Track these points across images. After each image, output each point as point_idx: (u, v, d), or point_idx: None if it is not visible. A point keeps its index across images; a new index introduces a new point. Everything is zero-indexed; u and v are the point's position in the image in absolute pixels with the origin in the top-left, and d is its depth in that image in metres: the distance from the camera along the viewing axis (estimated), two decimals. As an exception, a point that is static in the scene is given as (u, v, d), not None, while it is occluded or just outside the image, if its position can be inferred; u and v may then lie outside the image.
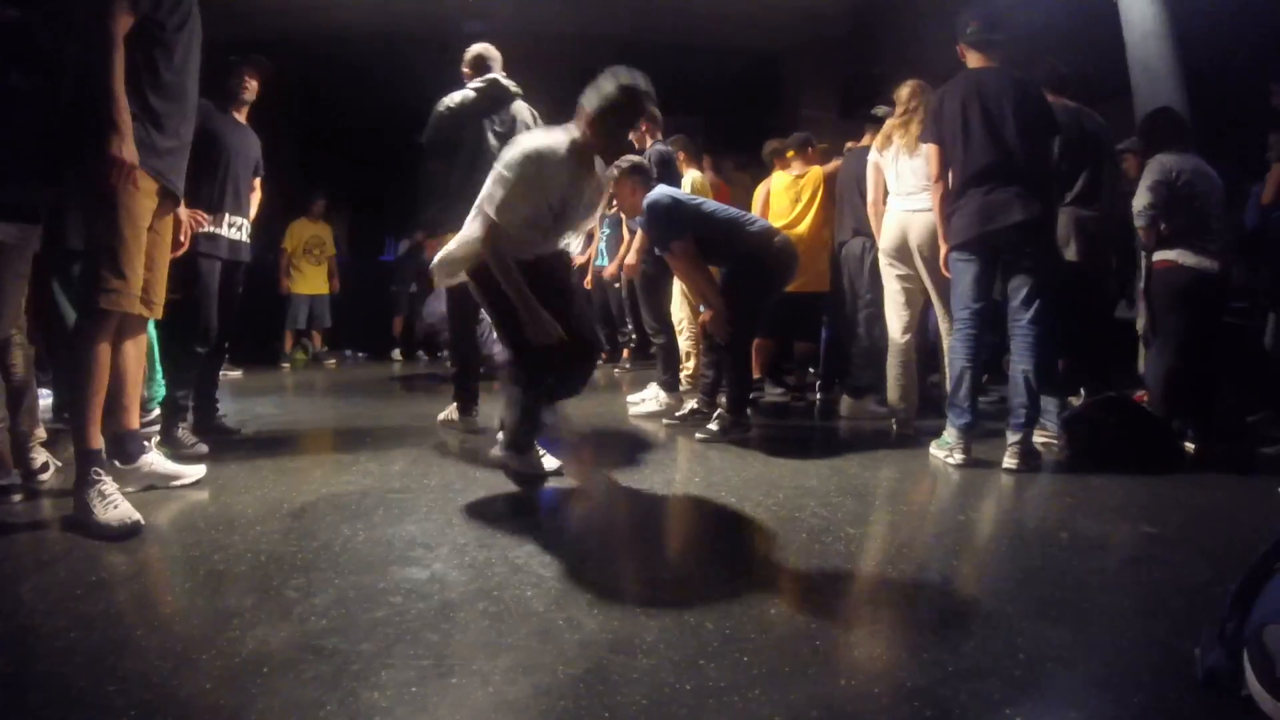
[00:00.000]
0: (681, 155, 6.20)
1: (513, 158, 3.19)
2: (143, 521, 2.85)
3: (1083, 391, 4.81)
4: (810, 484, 3.56)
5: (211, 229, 4.34)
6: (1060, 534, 2.95)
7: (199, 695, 1.72)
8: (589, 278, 8.17)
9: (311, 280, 9.57)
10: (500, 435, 3.47)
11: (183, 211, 3.69)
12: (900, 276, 4.80)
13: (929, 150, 4.18)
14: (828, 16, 10.41)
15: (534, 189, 3.17)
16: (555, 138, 3.26)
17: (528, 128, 4.51)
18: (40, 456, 3.51)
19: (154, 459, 3.39)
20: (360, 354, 10.71)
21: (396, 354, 10.50)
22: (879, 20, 9.96)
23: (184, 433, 4.22)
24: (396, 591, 2.28)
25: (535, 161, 3.15)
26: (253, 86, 4.61)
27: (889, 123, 4.88)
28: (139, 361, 3.28)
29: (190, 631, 2.07)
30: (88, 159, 2.83)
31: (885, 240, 4.82)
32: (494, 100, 4.58)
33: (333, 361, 9.77)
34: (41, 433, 3.67)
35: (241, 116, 4.65)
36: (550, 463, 3.55)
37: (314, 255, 9.58)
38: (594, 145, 3.27)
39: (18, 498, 3.23)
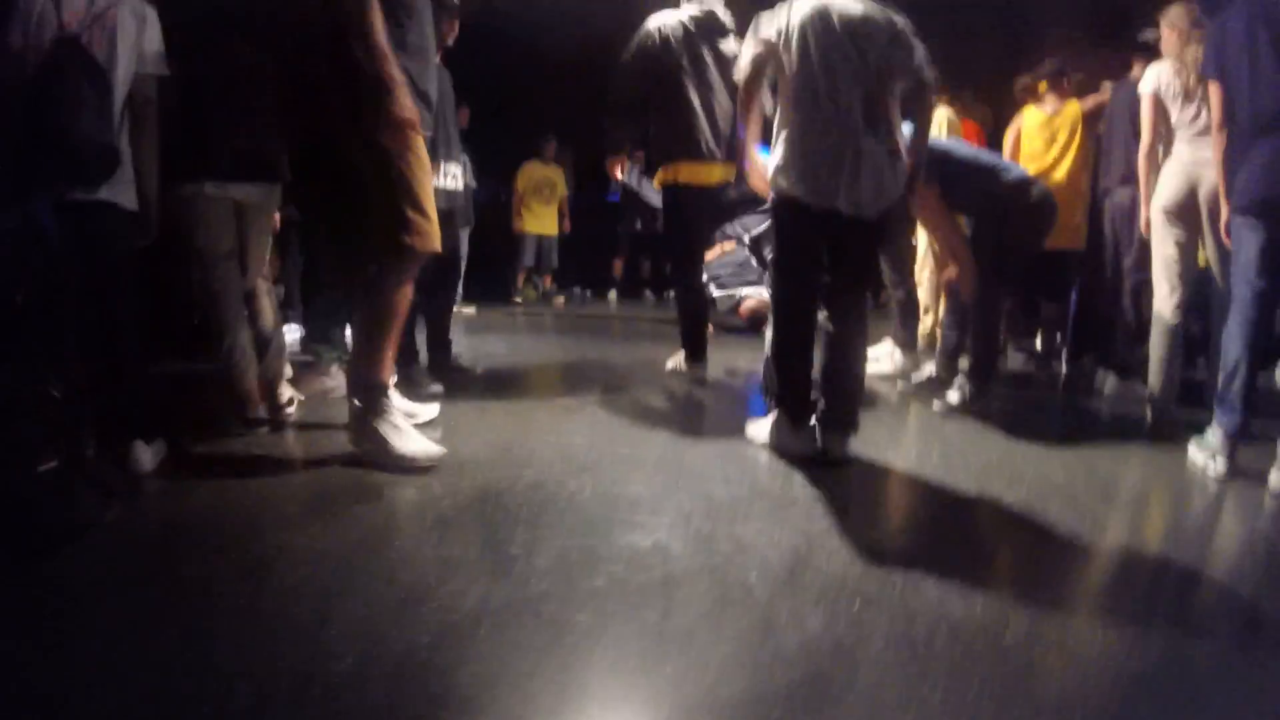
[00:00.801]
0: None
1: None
2: (444, 451, 3.04)
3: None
4: (1057, 478, 3.22)
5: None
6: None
7: (415, 649, 1.77)
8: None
9: (542, 220, 9.88)
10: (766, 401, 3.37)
11: None
12: (1178, 242, 4.07)
13: (1211, 88, 3.52)
14: None
15: None
16: None
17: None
18: (286, 392, 3.78)
19: (392, 397, 3.48)
20: (588, 291, 10.88)
21: (613, 296, 10.58)
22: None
23: (419, 373, 4.39)
24: (618, 559, 2.27)
25: None
26: (455, 30, 4.62)
27: (1166, 49, 4.19)
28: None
29: (414, 579, 2.13)
30: (365, 118, 2.89)
31: (1164, 194, 4.07)
32: (708, 31, 4.43)
33: (561, 299, 10.01)
34: (288, 370, 3.86)
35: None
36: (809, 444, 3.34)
37: (544, 195, 9.82)
38: None
39: (264, 430, 3.52)
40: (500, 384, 4.63)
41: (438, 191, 4.49)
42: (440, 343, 4.79)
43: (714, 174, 4.56)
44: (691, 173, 4.52)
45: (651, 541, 2.39)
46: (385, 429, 3.02)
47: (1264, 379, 4.67)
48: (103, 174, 2.91)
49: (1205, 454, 3.45)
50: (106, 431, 3.02)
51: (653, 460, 3.20)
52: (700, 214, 4.72)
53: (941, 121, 5.66)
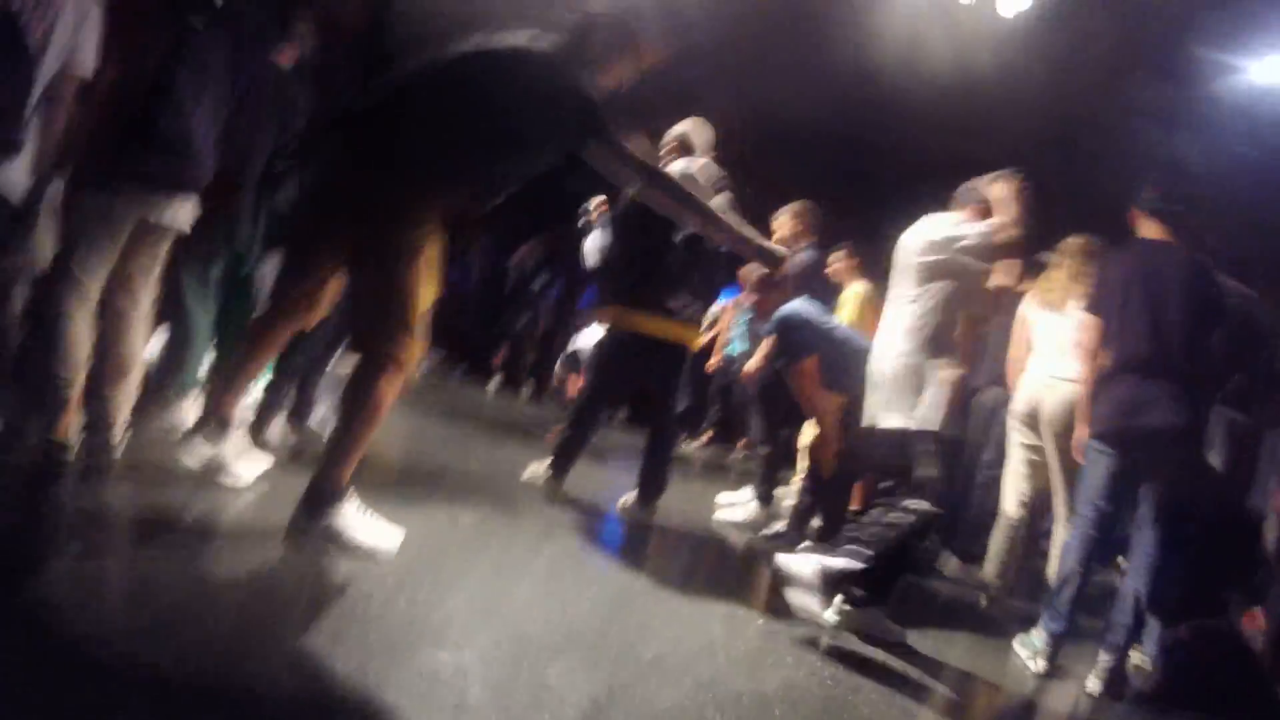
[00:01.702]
0: (855, 263, 5.98)
1: None
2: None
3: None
4: (877, 658, 3.23)
5: None
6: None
7: None
8: (715, 360, 7.97)
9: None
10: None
11: None
12: (1027, 445, 4.46)
13: (1088, 320, 3.86)
14: (1001, 143, 9.91)
15: None
16: None
17: None
18: (118, 428, 3.50)
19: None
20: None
21: (492, 386, 10.12)
22: (1054, 157, 9.52)
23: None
24: (417, 677, 2.16)
25: None
26: None
27: (1045, 276, 4.57)
28: None
29: (205, 685, 1.95)
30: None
31: (1018, 403, 4.49)
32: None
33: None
34: (126, 408, 3.64)
35: None
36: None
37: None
38: None
39: (70, 458, 3.20)
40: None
41: None
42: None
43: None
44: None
45: (453, 666, 2.27)
46: (339, 524, 2.82)
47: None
48: None
49: (1028, 651, 3.62)
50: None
51: (477, 577, 3.06)
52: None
53: (857, 297, 5.88)
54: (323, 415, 4.64)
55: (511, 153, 3.00)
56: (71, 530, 2.76)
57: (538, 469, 4.61)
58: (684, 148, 4.65)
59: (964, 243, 3.47)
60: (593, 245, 8.41)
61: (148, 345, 3.64)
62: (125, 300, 3.44)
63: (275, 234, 4.40)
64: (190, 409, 4.09)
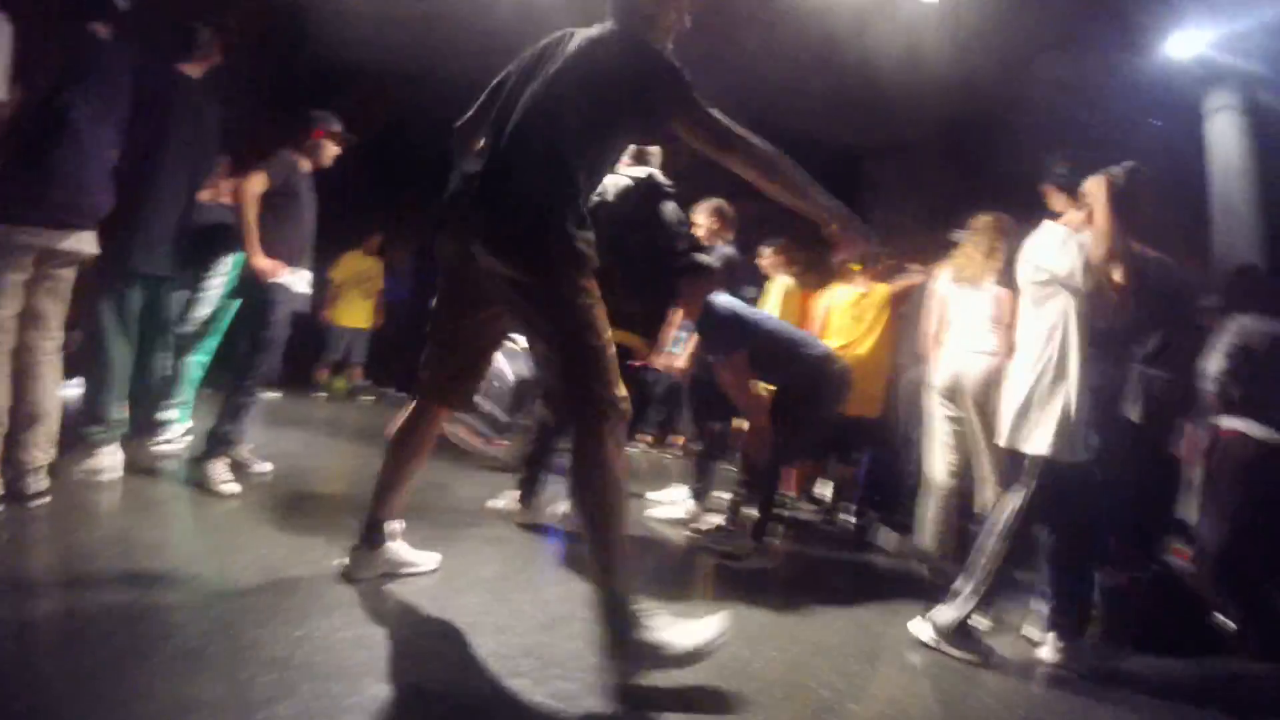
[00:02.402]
0: (780, 258, 6.10)
1: None
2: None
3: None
4: (830, 641, 3.28)
5: (288, 279, 4.45)
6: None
7: None
8: (659, 358, 8.00)
9: (356, 313, 9.66)
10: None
11: (264, 262, 4.15)
12: (950, 417, 4.63)
13: (1004, 295, 4.02)
14: (918, 122, 10.19)
15: None
16: None
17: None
18: (39, 474, 3.50)
19: (396, 547, 3.22)
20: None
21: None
22: (971, 136, 9.78)
23: (219, 468, 4.22)
24: (366, 711, 2.14)
25: None
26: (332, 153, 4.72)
27: (959, 253, 4.73)
28: None
29: (152, 714, 1.98)
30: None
31: (938, 378, 4.66)
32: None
33: (371, 398, 9.76)
34: (50, 449, 3.59)
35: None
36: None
37: (364, 288, 9.66)
38: None
39: None
40: (282, 496, 4.32)
41: (295, 292, 4.54)
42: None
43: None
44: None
45: (404, 695, 2.25)
46: (650, 638, 2.53)
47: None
48: None
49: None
50: None
51: (424, 600, 3.01)
52: None
53: (782, 289, 6.01)
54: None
55: (618, 142, 2.94)
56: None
57: (509, 499, 4.56)
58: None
59: (1062, 275, 3.45)
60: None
61: (62, 385, 3.57)
62: (36, 336, 3.39)
63: (192, 258, 4.42)
64: (111, 452, 4.02)
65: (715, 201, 5.62)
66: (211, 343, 5.17)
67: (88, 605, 2.58)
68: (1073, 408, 3.33)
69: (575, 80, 2.72)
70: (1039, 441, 3.35)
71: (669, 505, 5.25)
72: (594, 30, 2.85)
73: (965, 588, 3.38)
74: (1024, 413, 3.41)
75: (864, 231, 2.89)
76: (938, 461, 4.67)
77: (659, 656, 2.52)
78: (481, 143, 2.85)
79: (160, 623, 2.54)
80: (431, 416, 3.09)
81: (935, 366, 4.70)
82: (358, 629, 2.66)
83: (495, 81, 2.98)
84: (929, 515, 4.65)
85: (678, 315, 4.72)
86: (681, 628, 2.60)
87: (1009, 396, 3.51)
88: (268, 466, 4.66)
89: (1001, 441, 3.52)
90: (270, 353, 4.46)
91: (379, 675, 2.35)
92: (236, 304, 4.74)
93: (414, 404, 3.07)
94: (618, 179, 4.40)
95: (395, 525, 3.17)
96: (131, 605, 2.62)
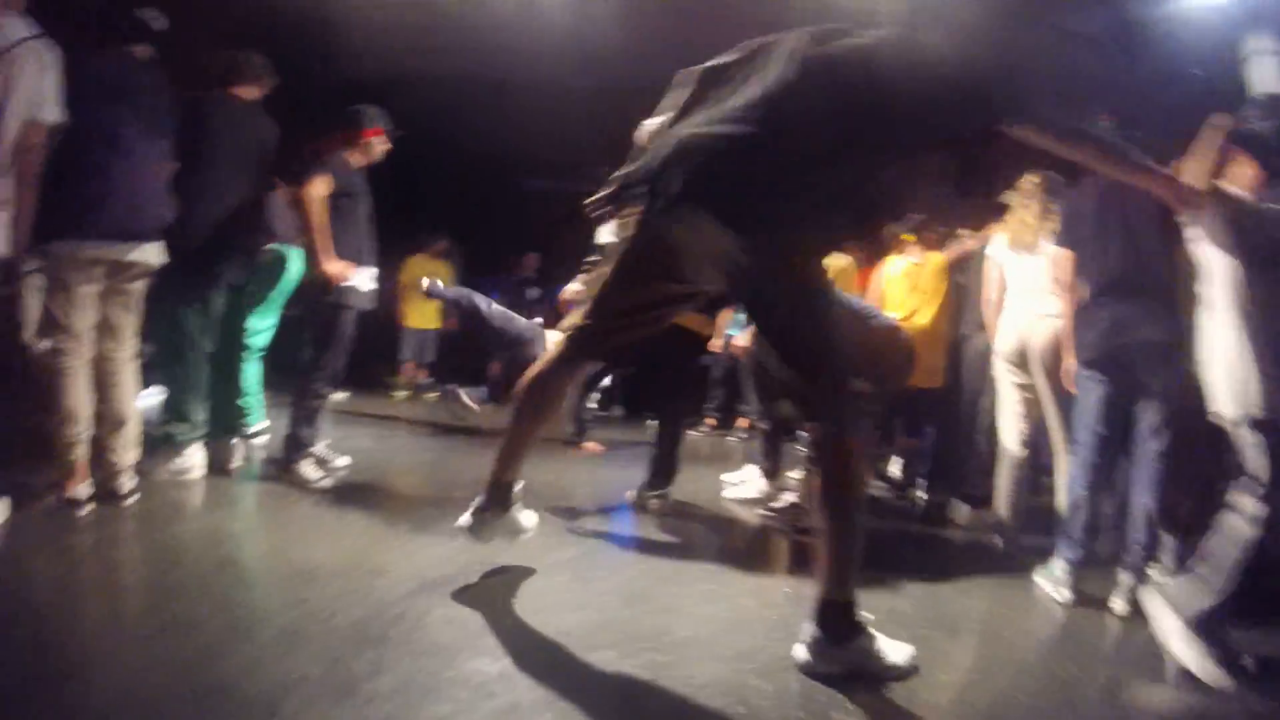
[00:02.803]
0: None
1: None
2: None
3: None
4: (904, 609, 3.29)
5: (353, 281, 4.53)
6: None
7: None
8: (717, 341, 8.05)
9: (424, 314, 9.83)
10: None
11: (335, 265, 4.22)
12: (1018, 385, 4.57)
13: (1061, 255, 3.97)
14: None
15: None
16: None
17: None
18: (127, 475, 3.65)
19: (517, 510, 3.15)
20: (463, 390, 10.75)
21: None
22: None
23: (304, 466, 4.40)
24: (465, 684, 2.21)
25: None
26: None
27: (1012, 215, 4.63)
28: None
29: (254, 694, 2.04)
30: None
31: (1003, 344, 4.60)
32: None
33: (435, 395, 9.90)
34: (135, 452, 3.74)
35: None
36: None
37: (426, 291, 9.83)
38: None
39: (88, 509, 3.39)
40: (360, 487, 4.50)
41: (359, 292, 4.60)
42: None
43: None
44: None
45: (499, 669, 2.33)
46: (861, 645, 2.53)
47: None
48: None
49: (1050, 583, 3.69)
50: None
51: (505, 582, 3.11)
52: None
53: (847, 266, 6.01)
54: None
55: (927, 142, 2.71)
56: (96, 584, 2.80)
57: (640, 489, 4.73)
58: None
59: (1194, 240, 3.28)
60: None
61: (141, 391, 3.70)
62: (113, 346, 3.54)
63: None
64: (195, 452, 4.16)
65: None
66: (265, 340, 5.27)
67: (183, 595, 2.71)
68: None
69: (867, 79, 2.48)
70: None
71: (742, 485, 5.28)
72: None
73: (1209, 578, 2.99)
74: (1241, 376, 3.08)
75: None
76: (1008, 430, 4.62)
77: (875, 667, 2.51)
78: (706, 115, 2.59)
79: (255, 608, 2.68)
80: (573, 370, 2.96)
81: (999, 334, 4.64)
82: (447, 609, 2.76)
83: (724, 62, 2.69)
84: (1002, 485, 4.59)
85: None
86: (890, 645, 2.57)
87: (1218, 364, 3.22)
88: (345, 461, 4.78)
89: (1230, 413, 3.15)
90: (337, 354, 4.59)
91: (472, 651, 2.43)
92: (281, 302, 4.96)
93: (556, 354, 2.88)
94: None
95: (520, 488, 3.11)
96: (225, 593, 2.76)
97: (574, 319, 2.85)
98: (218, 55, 4.50)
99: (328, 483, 4.33)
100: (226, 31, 4.63)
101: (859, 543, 2.55)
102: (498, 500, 3.01)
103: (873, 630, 2.55)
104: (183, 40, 3.89)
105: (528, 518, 3.19)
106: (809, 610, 2.54)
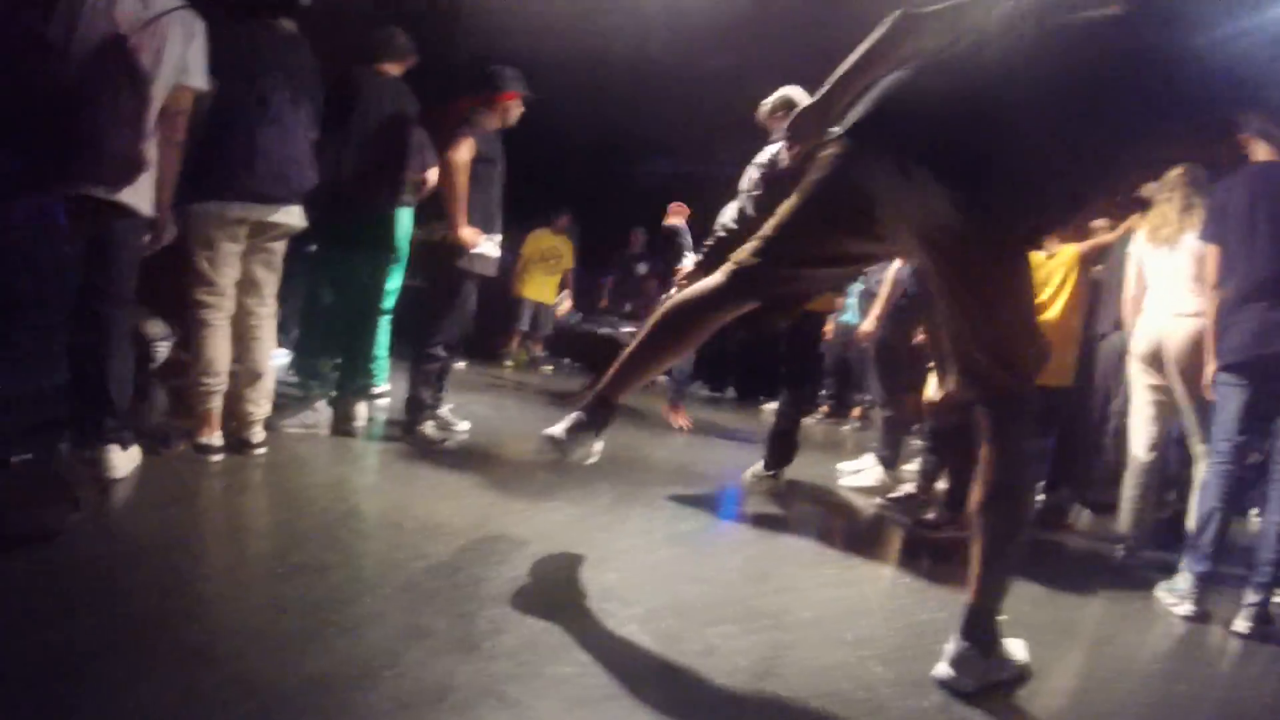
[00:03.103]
0: None
1: None
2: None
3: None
4: (1022, 609, 3.11)
5: (482, 249, 4.58)
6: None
7: (376, 715, 1.74)
8: (829, 326, 7.98)
9: (542, 288, 10.05)
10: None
11: (467, 232, 4.30)
12: (1152, 386, 4.31)
13: (1209, 251, 3.74)
14: None
15: None
16: None
17: None
18: (259, 427, 3.78)
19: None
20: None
21: None
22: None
23: (428, 428, 4.51)
24: (586, 646, 2.25)
25: None
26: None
27: (1155, 211, 4.36)
28: None
29: (378, 642, 2.10)
30: None
31: (1138, 344, 4.36)
32: None
33: (549, 367, 10.02)
34: (267, 405, 3.87)
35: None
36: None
37: (549, 264, 9.99)
38: None
39: (218, 458, 3.51)
40: (479, 450, 4.61)
41: (486, 260, 4.65)
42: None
43: None
44: None
45: (620, 633, 2.37)
46: (1001, 656, 2.44)
47: (1236, 526, 4.75)
48: (127, 180, 2.96)
49: (1173, 597, 3.53)
50: (84, 432, 3.04)
51: (626, 549, 3.18)
52: None
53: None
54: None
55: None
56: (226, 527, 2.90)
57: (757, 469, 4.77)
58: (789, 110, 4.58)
59: None
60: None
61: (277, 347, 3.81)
62: (254, 303, 3.65)
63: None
64: (324, 409, 4.28)
65: None
66: (392, 302, 5.34)
67: (310, 543, 2.81)
68: None
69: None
70: None
71: (859, 474, 5.20)
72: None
73: None
74: None
75: None
76: (1139, 435, 4.39)
77: (1011, 673, 2.44)
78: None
79: (379, 559, 2.78)
80: (728, 306, 2.60)
81: (1135, 333, 4.41)
82: (569, 572, 2.82)
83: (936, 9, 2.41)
84: (1127, 492, 4.37)
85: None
86: (1013, 645, 2.50)
87: None
88: (466, 425, 4.85)
89: None
90: (458, 319, 4.68)
91: (594, 616, 2.47)
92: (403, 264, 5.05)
93: (717, 285, 2.59)
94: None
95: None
96: (350, 543, 2.87)
97: (745, 253, 2.57)
98: (366, 33, 4.67)
99: (450, 445, 4.39)
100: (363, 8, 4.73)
101: (1020, 552, 2.41)
102: (598, 420, 2.69)
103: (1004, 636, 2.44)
104: (326, 17, 4.00)
105: (599, 445, 2.84)
106: (956, 620, 2.41)
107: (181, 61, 3.09)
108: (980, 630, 2.36)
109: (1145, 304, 4.38)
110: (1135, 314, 4.45)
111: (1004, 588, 2.40)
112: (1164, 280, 4.25)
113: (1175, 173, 4.27)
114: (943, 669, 2.35)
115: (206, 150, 3.39)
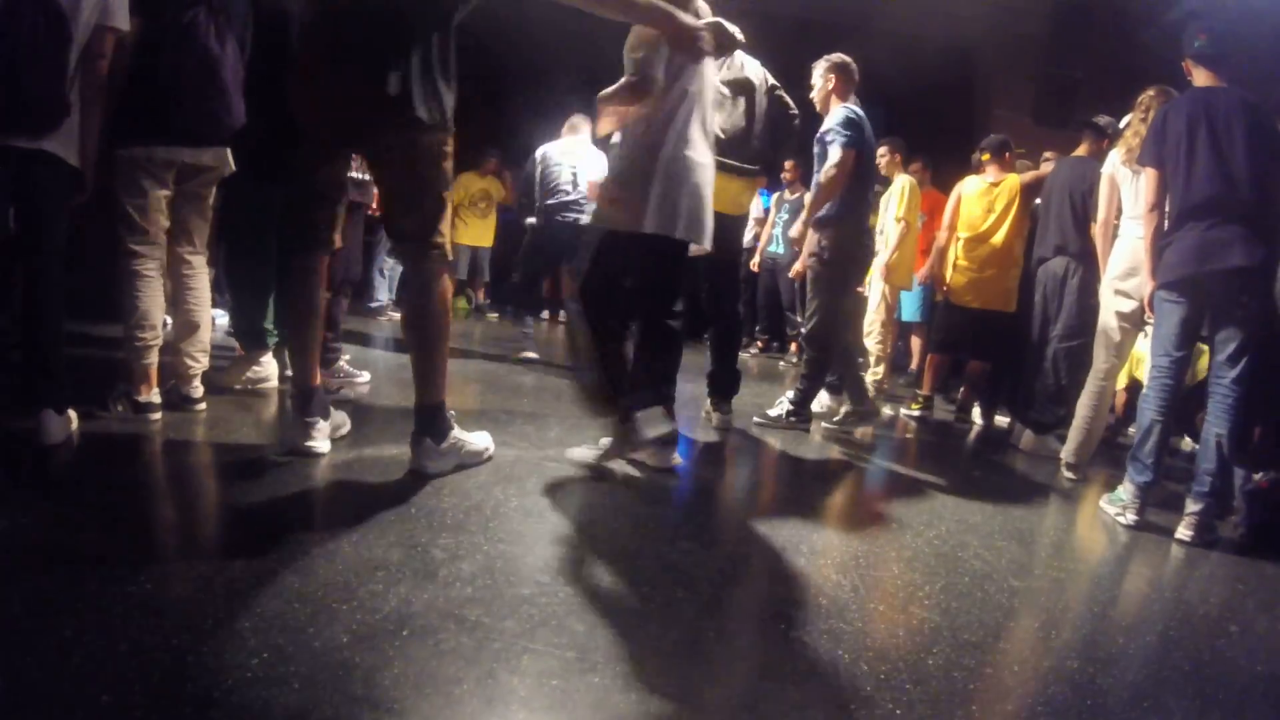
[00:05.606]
0: (895, 157, 5.99)
1: None
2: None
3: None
4: (974, 520, 3.29)
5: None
6: (1230, 626, 2.58)
7: (334, 648, 1.70)
8: (756, 261, 8.01)
9: (476, 232, 9.85)
10: None
11: None
12: (1123, 313, 4.27)
13: (1147, 175, 3.75)
14: (1026, 11, 9.45)
15: None
16: None
17: None
18: (196, 382, 3.65)
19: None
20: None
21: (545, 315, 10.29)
22: (1080, 20, 9.21)
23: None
24: (545, 570, 2.24)
25: None
26: None
27: (1129, 132, 4.32)
28: None
29: (333, 577, 2.05)
30: None
31: (1115, 266, 4.31)
32: None
33: (495, 315, 9.88)
34: (205, 359, 3.73)
35: None
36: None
37: (480, 208, 9.80)
38: None
39: (157, 415, 3.37)
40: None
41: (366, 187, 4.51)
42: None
43: None
44: None
45: (578, 555, 2.36)
46: (456, 442, 3.07)
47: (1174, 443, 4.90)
48: (49, 125, 2.82)
49: (1116, 507, 3.63)
50: (16, 396, 2.93)
51: (580, 475, 3.18)
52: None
53: (913, 191, 5.87)
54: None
55: None
56: (168, 483, 2.84)
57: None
58: None
59: None
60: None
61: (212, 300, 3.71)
62: (186, 250, 3.53)
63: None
64: (270, 362, 4.17)
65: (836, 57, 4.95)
66: None
67: (258, 490, 2.72)
68: None
69: None
70: None
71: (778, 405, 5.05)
72: None
73: None
74: None
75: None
76: (1101, 356, 4.39)
77: (470, 456, 3.10)
78: None
79: (329, 499, 2.69)
80: None
81: (1112, 257, 4.37)
82: (523, 500, 2.80)
83: None
84: (1082, 411, 4.40)
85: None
86: (477, 435, 3.19)
87: None
88: (365, 376, 4.65)
89: None
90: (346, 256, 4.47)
91: (548, 539, 2.46)
92: None
93: None
94: None
95: None
96: (300, 486, 2.76)
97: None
98: None
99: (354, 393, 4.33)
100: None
101: (443, 358, 3.01)
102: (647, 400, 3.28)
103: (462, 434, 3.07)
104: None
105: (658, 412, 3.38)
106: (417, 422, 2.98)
107: (102, 1, 2.96)
108: (429, 420, 2.98)
109: (1119, 227, 4.36)
110: (1107, 237, 4.43)
111: (440, 386, 2.99)
112: (1134, 206, 4.23)
113: (1148, 93, 4.26)
114: (416, 463, 2.98)
115: (129, 91, 3.22)
